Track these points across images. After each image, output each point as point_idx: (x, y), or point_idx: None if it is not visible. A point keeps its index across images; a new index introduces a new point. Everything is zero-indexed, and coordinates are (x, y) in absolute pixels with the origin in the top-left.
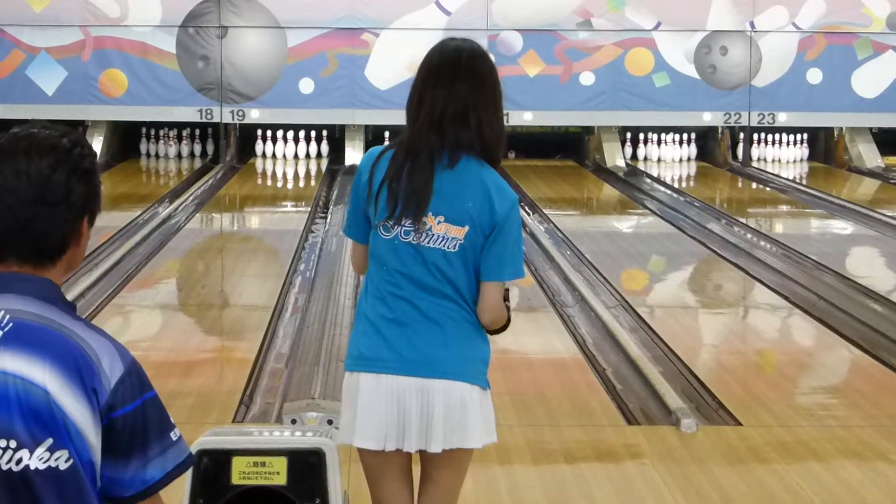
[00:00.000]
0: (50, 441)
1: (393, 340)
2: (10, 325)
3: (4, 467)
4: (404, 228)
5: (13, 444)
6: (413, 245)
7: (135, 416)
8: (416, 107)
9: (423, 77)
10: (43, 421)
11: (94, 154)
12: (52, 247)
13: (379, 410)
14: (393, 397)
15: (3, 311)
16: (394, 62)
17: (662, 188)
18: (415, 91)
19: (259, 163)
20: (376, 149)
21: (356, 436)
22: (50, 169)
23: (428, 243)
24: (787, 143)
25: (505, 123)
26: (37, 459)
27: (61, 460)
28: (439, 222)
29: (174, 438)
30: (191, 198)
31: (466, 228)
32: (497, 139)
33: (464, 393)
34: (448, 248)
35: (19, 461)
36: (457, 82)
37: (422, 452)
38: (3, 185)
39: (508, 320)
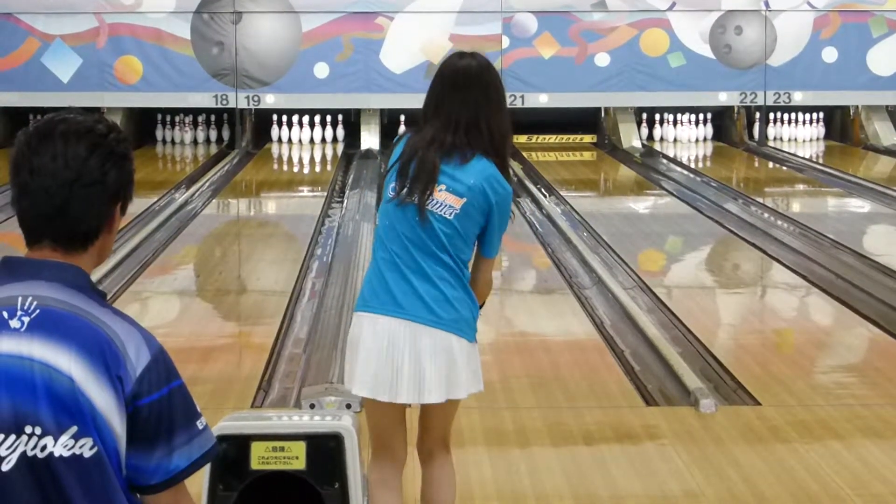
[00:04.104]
0: (74, 429)
1: (395, 290)
2: (38, 311)
3: (30, 454)
4: (414, 197)
5: (38, 430)
6: (418, 210)
7: (161, 405)
8: (433, 111)
9: (439, 87)
10: (68, 408)
11: (129, 140)
12: (86, 230)
13: (374, 353)
14: (387, 338)
15: (31, 298)
16: (408, 46)
17: (679, 168)
18: (432, 97)
19: (275, 148)
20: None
21: (355, 382)
22: (87, 152)
23: (431, 207)
24: (803, 122)
25: (509, 121)
26: (61, 447)
27: (86, 448)
28: (441, 190)
29: (200, 427)
30: (207, 184)
31: (464, 200)
32: (503, 138)
33: (451, 344)
34: (446, 214)
35: (44, 448)
36: (469, 92)
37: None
38: (39, 167)
39: None
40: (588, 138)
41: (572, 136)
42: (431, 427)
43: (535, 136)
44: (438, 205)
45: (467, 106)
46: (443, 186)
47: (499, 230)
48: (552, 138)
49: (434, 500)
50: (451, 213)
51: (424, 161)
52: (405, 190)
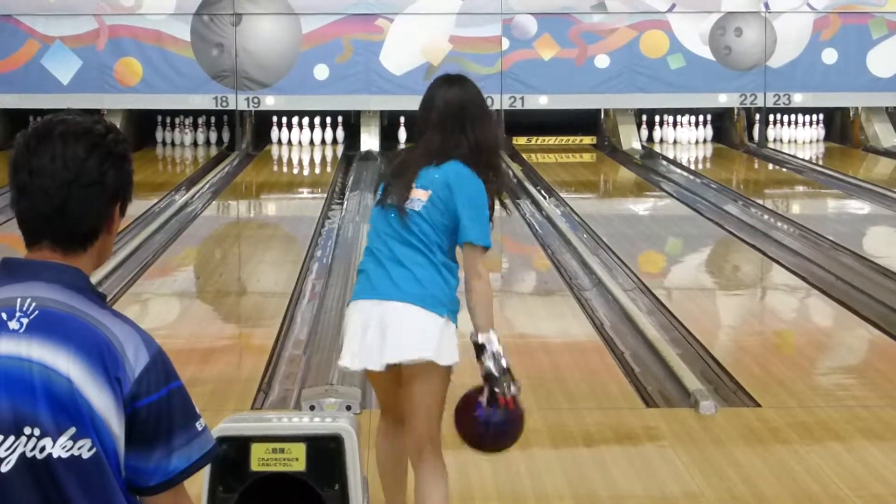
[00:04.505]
0: (73, 430)
1: (372, 277)
2: (36, 313)
3: (28, 455)
4: (392, 199)
5: (37, 431)
6: (395, 207)
7: (160, 406)
8: (421, 133)
9: (424, 112)
10: (66, 409)
11: (128, 141)
12: (85, 231)
13: (352, 330)
14: (360, 316)
15: (29, 299)
16: (408, 47)
17: (679, 170)
18: (420, 121)
19: (275, 150)
20: None
21: (341, 356)
22: (85, 152)
23: (406, 205)
24: (803, 124)
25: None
26: (60, 448)
27: (84, 449)
28: (414, 188)
29: (199, 429)
30: (207, 185)
31: (430, 192)
32: (491, 147)
33: (418, 314)
34: (416, 207)
35: (43, 449)
36: (452, 119)
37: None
38: (38, 168)
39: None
40: (588, 140)
41: (572, 138)
42: (411, 395)
43: (535, 139)
44: (411, 201)
45: (448, 130)
46: (414, 185)
47: (468, 212)
48: (552, 140)
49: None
50: (419, 206)
51: (406, 167)
52: (386, 194)
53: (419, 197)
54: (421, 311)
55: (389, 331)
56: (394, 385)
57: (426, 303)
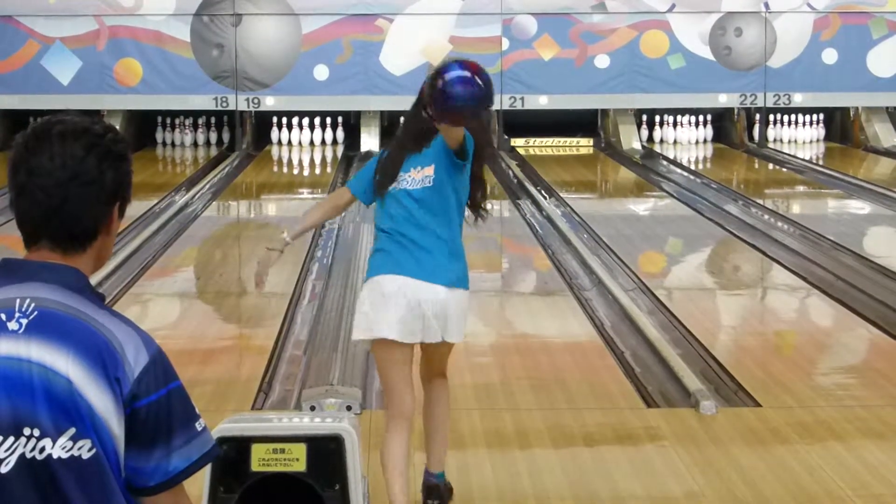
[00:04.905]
0: (73, 430)
1: (397, 256)
2: (35, 313)
3: (28, 455)
4: (400, 183)
5: (37, 432)
6: (406, 191)
7: (159, 406)
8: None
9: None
10: (66, 410)
11: (126, 141)
12: (84, 230)
13: (391, 304)
14: (396, 290)
15: (29, 300)
16: (408, 48)
17: (679, 170)
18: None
19: (275, 150)
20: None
21: (382, 329)
22: (83, 151)
23: (412, 186)
24: (803, 124)
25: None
26: (59, 448)
27: (84, 450)
28: (417, 170)
29: (199, 429)
30: (207, 186)
31: (433, 166)
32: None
33: (446, 293)
34: (426, 184)
35: (42, 449)
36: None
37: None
38: (36, 167)
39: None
40: (585, 142)
41: (570, 140)
42: (441, 364)
43: (533, 140)
44: (417, 182)
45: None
46: (416, 167)
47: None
48: (548, 142)
49: (433, 413)
50: (430, 181)
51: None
52: (394, 182)
53: (426, 174)
54: (455, 291)
55: (429, 310)
56: (409, 357)
57: (452, 282)
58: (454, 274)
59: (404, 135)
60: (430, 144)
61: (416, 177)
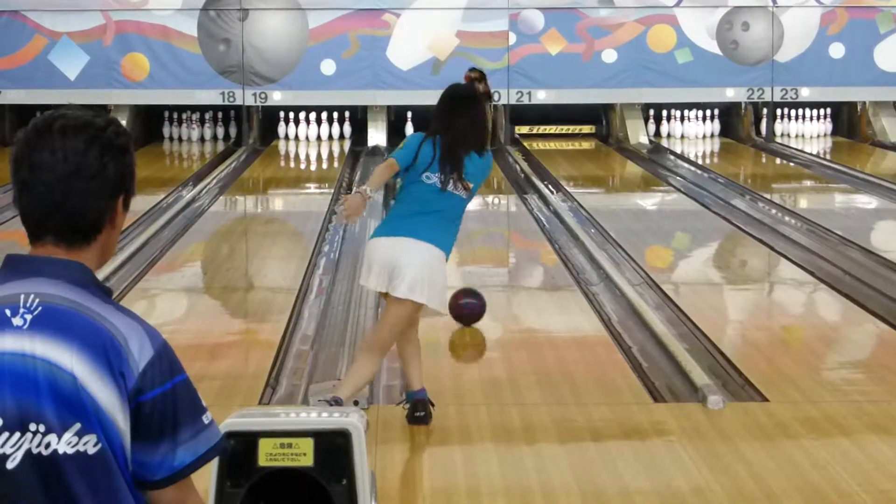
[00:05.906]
0: (78, 426)
1: (402, 226)
2: (40, 308)
3: (34, 451)
4: (441, 180)
5: (42, 428)
6: (447, 192)
7: (164, 400)
8: (447, 123)
9: (448, 105)
10: (71, 405)
11: (129, 134)
12: (88, 224)
13: (379, 257)
14: (387, 246)
15: (33, 295)
16: (415, 42)
17: (686, 165)
18: (443, 113)
19: (282, 145)
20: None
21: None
22: (85, 145)
23: (453, 190)
24: (811, 118)
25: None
26: (65, 444)
27: (89, 445)
28: (464, 179)
29: (206, 422)
30: (214, 181)
31: (471, 185)
32: (488, 136)
33: (433, 252)
34: (463, 195)
35: (48, 445)
36: (472, 108)
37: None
38: (38, 162)
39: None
40: (587, 129)
41: (574, 127)
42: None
43: (537, 128)
44: (461, 188)
45: (475, 119)
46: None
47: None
48: (552, 129)
49: (409, 342)
50: (467, 195)
51: (454, 156)
52: (438, 175)
53: (468, 187)
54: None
55: (416, 264)
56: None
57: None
58: (429, 237)
59: (471, 136)
60: (484, 158)
61: (460, 184)
